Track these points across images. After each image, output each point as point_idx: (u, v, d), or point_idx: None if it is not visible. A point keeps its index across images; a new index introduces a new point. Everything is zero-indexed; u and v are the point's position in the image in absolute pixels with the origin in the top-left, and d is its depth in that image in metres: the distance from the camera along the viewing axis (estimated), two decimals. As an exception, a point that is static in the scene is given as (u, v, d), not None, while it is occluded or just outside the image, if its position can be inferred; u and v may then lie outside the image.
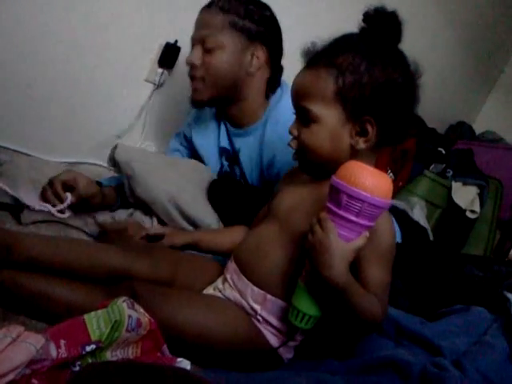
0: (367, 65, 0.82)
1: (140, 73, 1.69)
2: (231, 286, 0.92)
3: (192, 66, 1.31)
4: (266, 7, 1.32)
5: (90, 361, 0.65)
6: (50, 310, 0.81)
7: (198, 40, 1.29)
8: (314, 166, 0.88)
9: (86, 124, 1.63)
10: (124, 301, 0.73)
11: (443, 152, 2.29)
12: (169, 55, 1.68)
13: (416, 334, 0.96)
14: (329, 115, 0.83)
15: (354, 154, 0.84)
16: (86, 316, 0.69)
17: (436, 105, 2.55)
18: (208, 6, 1.29)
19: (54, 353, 0.61)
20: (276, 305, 0.87)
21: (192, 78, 1.33)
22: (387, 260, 0.83)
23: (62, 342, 0.62)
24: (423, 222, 1.84)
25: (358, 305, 0.78)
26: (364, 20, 0.84)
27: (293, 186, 0.95)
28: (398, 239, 1.38)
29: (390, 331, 0.99)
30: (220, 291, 0.93)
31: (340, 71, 0.82)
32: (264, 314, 0.87)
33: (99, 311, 0.70)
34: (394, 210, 1.56)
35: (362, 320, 0.79)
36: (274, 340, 0.88)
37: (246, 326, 0.87)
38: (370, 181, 0.73)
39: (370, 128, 0.83)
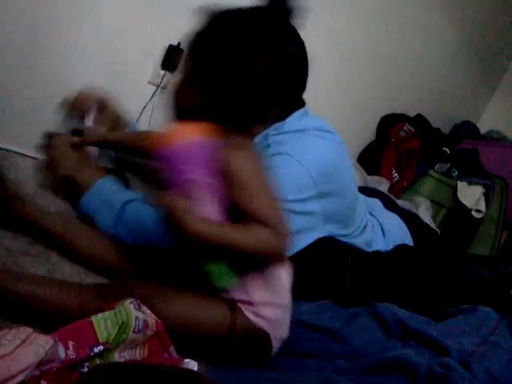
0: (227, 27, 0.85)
1: (143, 75, 1.69)
2: None
3: None
4: None
5: (97, 362, 0.65)
6: (38, 311, 0.81)
7: None
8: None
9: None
10: (131, 302, 0.73)
11: (448, 152, 2.28)
12: (172, 57, 1.69)
13: (423, 335, 0.96)
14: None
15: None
16: (93, 317, 0.69)
17: (440, 104, 2.55)
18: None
19: (62, 354, 0.61)
20: None
21: None
22: (246, 187, 0.82)
23: (70, 343, 0.63)
24: (428, 222, 1.84)
25: (235, 242, 0.78)
26: None
27: None
28: (410, 242, 1.38)
29: (396, 331, 0.99)
30: None
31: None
32: (225, 295, 0.86)
33: (106, 313, 0.71)
34: (406, 214, 1.57)
35: (259, 254, 0.81)
36: (259, 320, 0.86)
37: (233, 315, 0.85)
38: None
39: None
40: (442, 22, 2.38)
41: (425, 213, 1.89)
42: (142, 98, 1.69)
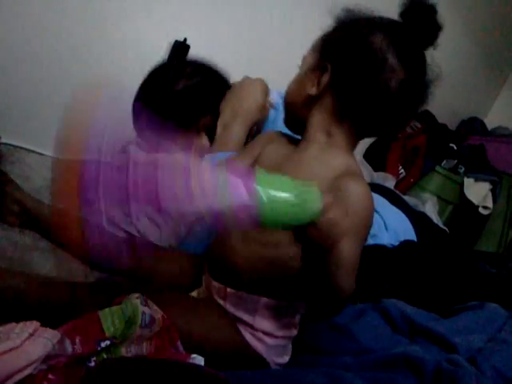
0: (368, 31, 0.79)
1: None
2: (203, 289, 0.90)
3: None
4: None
5: (104, 357, 0.65)
6: (46, 309, 0.80)
7: None
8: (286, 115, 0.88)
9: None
10: (138, 297, 0.73)
11: (455, 148, 2.27)
12: (178, 53, 1.68)
13: (430, 331, 0.95)
14: (306, 58, 0.84)
15: (307, 106, 0.83)
16: (100, 312, 0.69)
17: (447, 100, 2.53)
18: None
19: (69, 348, 0.61)
20: (237, 297, 0.82)
21: None
22: (360, 233, 0.72)
23: (77, 338, 0.63)
24: (435, 218, 1.83)
25: (333, 271, 0.67)
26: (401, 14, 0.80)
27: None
28: (413, 237, 1.37)
29: (403, 328, 0.99)
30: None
31: (339, 25, 0.82)
32: (231, 309, 0.83)
33: (113, 308, 0.71)
34: (412, 210, 1.56)
35: (334, 290, 0.68)
36: (256, 343, 0.83)
37: (228, 332, 0.82)
38: None
39: (325, 76, 0.80)
40: (450, 18, 2.36)
41: (431, 209, 1.88)
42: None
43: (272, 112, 1.29)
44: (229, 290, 0.83)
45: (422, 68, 0.81)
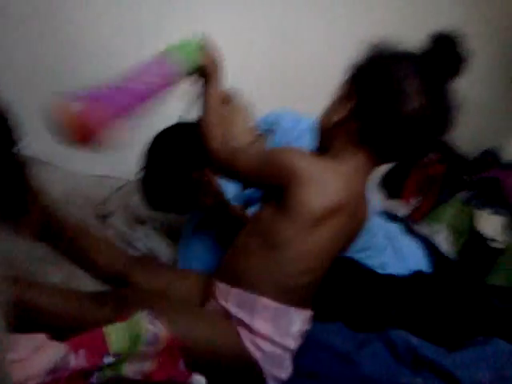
0: (390, 62, 0.85)
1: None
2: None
3: None
4: None
5: (107, 373, 0.66)
6: (53, 322, 0.82)
7: None
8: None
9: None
10: (143, 315, 0.74)
11: (470, 180, 2.25)
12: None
13: (434, 364, 0.94)
14: (338, 89, 0.90)
15: (333, 132, 0.90)
16: (106, 328, 0.70)
17: (465, 131, 2.52)
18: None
19: (73, 362, 0.62)
20: (240, 296, 0.87)
21: None
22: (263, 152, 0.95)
23: (82, 352, 0.63)
24: (446, 250, 1.81)
25: (208, 112, 0.94)
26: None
27: None
28: (426, 269, 1.36)
29: (407, 359, 0.98)
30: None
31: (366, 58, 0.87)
32: (233, 309, 0.86)
33: (119, 324, 0.72)
34: (423, 241, 1.55)
35: (204, 131, 0.93)
36: (254, 350, 0.84)
37: (230, 340, 0.85)
38: None
39: (350, 104, 0.87)
40: (477, 43, 2.35)
41: (443, 241, 1.86)
42: (170, 111, 1.71)
43: (273, 137, 1.32)
44: (232, 289, 0.87)
45: (442, 98, 0.85)
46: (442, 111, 0.85)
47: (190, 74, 0.93)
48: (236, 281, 0.88)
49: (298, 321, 0.88)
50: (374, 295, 1.15)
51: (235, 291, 0.87)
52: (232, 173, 0.94)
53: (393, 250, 1.36)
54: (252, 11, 1.76)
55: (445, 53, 0.84)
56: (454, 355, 1.00)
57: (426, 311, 1.16)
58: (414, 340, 1.02)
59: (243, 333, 0.84)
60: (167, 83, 0.87)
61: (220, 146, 0.92)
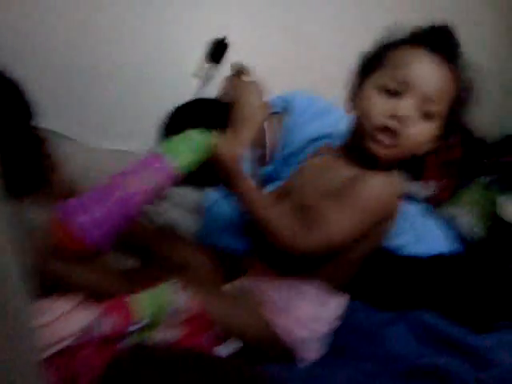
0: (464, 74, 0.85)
1: (187, 68, 1.71)
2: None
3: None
4: None
5: (135, 340, 0.66)
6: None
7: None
8: (395, 158, 0.85)
9: (134, 114, 1.66)
10: (171, 284, 0.73)
11: (491, 164, 2.22)
12: (217, 51, 1.69)
13: (461, 345, 0.92)
14: (442, 117, 0.84)
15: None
16: (133, 296, 0.70)
17: (485, 113, 2.48)
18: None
19: (101, 328, 0.62)
20: (279, 280, 0.87)
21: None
22: (353, 205, 0.79)
23: (110, 319, 0.64)
24: (467, 234, 1.79)
25: (256, 207, 0.78)
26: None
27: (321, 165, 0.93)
28: (446, 251, 1.35)
29: (432, 339, 0.96)
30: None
31: (461, 79, 0.84)
32: (271, 292, 0.86)
33: (146, 292, 0.72)
34: (445, 224, 1.54)
35: (267, 231, 0.78)
36: (286, 334, 0.84)
37: (260, 322, 0.84)
38: None
39: (439, 139, 0.87)
40: (496, 28, 2.30)
41: (465, 225, 1.84)
42: (185, 90, 1.70)
43: (291, 117, 1.30)
44: (271, 271, 0.87)
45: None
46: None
47: (191, 170, 0.83)
48: (277, 264, 0.87)
49: (335, 306, 0.88)
50: (394, 276, 1.14)
51: (274, 274, 0.87)
52: (330, 249, 0.81)
53: (414, 231, 1.35)
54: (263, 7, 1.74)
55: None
56: (481, 337, 0.98)
57: (448, 293, 1.15)
58: (437, 320, 1.00)
59: (275, 317, 0.84)
60: (164, 186, 0.80)
61: (300, 237, 0.78)
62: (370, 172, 0.83)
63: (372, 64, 0.86)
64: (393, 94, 0.82)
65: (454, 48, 0.83)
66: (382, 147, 0.82)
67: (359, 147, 0.85)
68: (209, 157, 0.81)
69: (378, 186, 0.81)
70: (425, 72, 0.81)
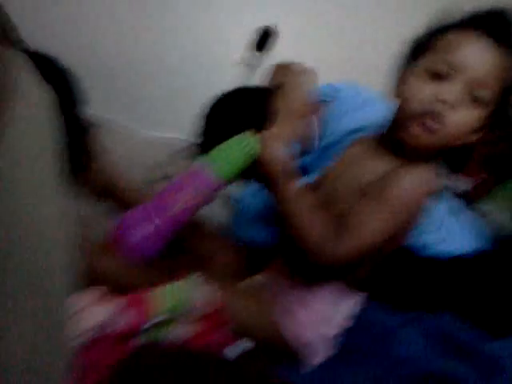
0: None
1: (234, 55, 1.72)
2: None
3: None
4: None
5: (150, 335, 0.69)
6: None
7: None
8: (437, 146, 0.81)
9: (179, 102, 1.70)
10: (192, 279, 0.78)
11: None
12: (264, 39, 1.69)
13: (474, 350, 0.92)
14: (492, 104, 0.78)
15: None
16: (154, 290, 0.74)
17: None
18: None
19: (119, 322, 0.67)
20: (297, 283, 0.87)
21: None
22: (385, 206, 0.77)
23: (129, 313, 0.67)
24: (498, 231, 1.73)
25: (292, 212, 0.78)
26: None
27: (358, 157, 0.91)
28: (482, 247, 1.32)
29: (441, 343, 0.96)
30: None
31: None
32: (287, 293, 0.87)
33: (166, 287, 0.75)
34: (478, 221, 1.49)
35: (298, 238, 0.78)
36: (295, 337, 0.85)
37: (270, 324, 0.86)
38: None
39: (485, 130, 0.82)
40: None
41: (496, 222, 1.78)
42: (233, 78, 1.72)
43: (334, 106, 1.29)
44: (290, 274, 0.87)
45: None
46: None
47: (234, 179, 0.86)
48: (299, 262, 0.87)
49: (350, 305, 0.89)
50: (414, 276, 1.14)
51: (294, 274, 0.87)
52: (360, 256, 0.80)
53: (441, 230, 1.32)
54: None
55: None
56: (496, 344, 0.97)
57: (468, 296, 1.13)
58: (452, 325, 1.00)
59: (286, 318, 0.85)
60: (210, 196, 0.84)
61: (330, 249, 0.77)
62: (405, 167, 0.80)
63: (421, 48, 0.82)
64: (441, 77, 0.77)
65: (509, 33, 0.78)
66: (426, 132, 0.77)
67: (396, 137, 0.82)
68: (252, 162, 0.83)
69: (412, 186, 0.79)
70: (476, 54, 0.76)
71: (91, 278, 0.79)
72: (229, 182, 0.85)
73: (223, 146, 0.84)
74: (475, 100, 0.76)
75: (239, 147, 0.83)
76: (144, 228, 0.79)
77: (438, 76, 0.77)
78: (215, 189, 0.83)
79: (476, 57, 0.76)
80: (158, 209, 0.81)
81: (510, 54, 0.77)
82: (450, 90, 0.75)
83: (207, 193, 0.83)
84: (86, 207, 1.12)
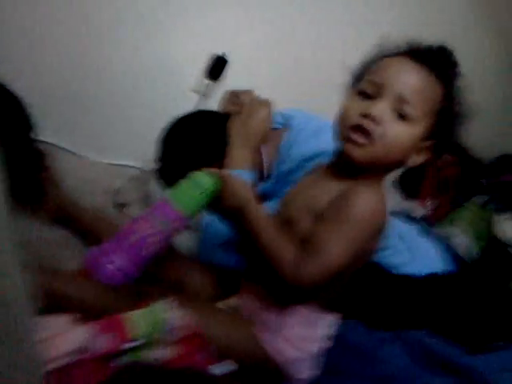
0: (456, 91, 0.85)
1: (186, 83, 1.72)
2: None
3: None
4: None
5: (128, 358, 0.66)
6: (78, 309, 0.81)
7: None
8: (371, 160, 0.83)
9: (132, 129, 1.67)
10: (166, 302, 0.74)
11: (487, 183, 2.23)
12: (216, 67, 1.70)
13: (455, 365, 0.92)
14: (422, 123, 0.82)
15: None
16: (127, 314, 0.71)
17: (483, 133, 2.49)
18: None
19: (95, 346, 0.62)
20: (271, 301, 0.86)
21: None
22: (346, 225, 0.79)
23: (104, 336, 0.64)
24: (462, 254, 1.79)
25: (264, 238, 0.79)
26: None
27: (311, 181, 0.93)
28: (441, 271, 1.34)
29: (425, 360, 0.96)
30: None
31: (448, 90, 0.84)
32: (261, 313, 0.86)
33: (141, 310, 0.72)
34: (440, 243, 1.53)
35: (271, 261, 0.78)
36: (278, 354, 0.84)
37: (251, 342, 0.84)
38: None
39: (427, 153, 0.85)
40: (487, 43, 2.32)
41: (460, 244, 1.84)
42: (183, 105, 1.71)
43: (289, 134, 1.31)
44: (263, 292, 0.86)
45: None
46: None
47: (198, 213, 0.88)
48: (268, 284, 0.87)
49: (326, 325, 0.88)
50: (389, 295, 1.14)
51: (266, 295, 0.86)
52: (331, 276, 0.80)
53: (409, 250, 1.35)
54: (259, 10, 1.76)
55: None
56: (475, 358, 0.98)
57: (443, 313, 1.14)
58: (433, 341, 1.00)
59: (267, 337, 0.84)
60: (174, 228, 0.87)
61: (305, 267, 0.78)
62: (358, 187, 0.82)
63: (360, 74, 0.87)
64: (370, 97, 0.82)
65: (444, 65, 0.84)
66: (355, 147, 0.81)
67: (343, 158, 0.85)
68: (216, 196, 0.83)
69: (369, 204, 0.81)
70: (401, 74, 0.81)
71: (62, 304, 0.75)
72: (193, 216, 0.87)
73: (186, 181, 0.86)
74: (401, 116, 0.80)
75: (202, 182, 0.84)
76: (112, 259, 0.82)
77: (367, 96, 0.82)
78: (179, 222, 0.86)
79: (401, 75, 0.81)
80: (124, 237, 0.84)
81: (443, 82, 0.83)
82: (376, 106, 0.80)
83: (171, 225, 0.85)
84: (40, 232, 1.05)
